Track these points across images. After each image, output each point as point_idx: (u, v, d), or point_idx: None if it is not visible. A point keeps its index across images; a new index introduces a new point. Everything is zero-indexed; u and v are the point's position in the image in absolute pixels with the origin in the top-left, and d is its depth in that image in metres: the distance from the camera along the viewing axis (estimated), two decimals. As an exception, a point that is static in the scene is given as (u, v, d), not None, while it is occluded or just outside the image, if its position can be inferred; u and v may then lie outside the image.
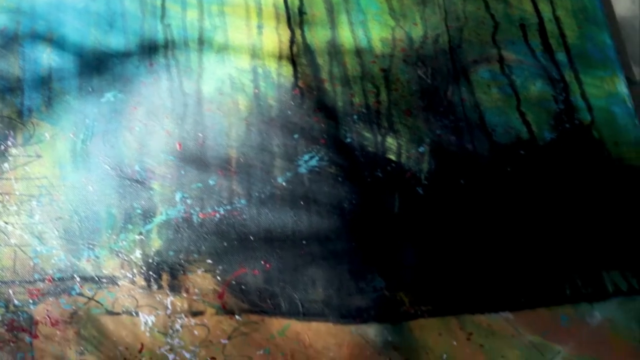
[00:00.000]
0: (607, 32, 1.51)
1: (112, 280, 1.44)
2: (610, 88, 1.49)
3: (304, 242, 1.44)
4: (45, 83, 1.51)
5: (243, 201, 1.44)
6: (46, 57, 1.51)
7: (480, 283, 1.41)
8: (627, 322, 1.40)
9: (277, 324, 1.42)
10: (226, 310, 1.42)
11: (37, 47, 1.51)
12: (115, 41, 1.47)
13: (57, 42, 1.50)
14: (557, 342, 1.38)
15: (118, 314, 1.42)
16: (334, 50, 1.45)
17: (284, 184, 1.44)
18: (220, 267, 1.43)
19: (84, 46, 1.49)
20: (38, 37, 1.52)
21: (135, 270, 1.44)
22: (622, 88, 1.48)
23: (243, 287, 1.43)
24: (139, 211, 1.45)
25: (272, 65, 1.45)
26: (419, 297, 1.42)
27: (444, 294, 1.41)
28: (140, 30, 1.47)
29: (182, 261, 1.43)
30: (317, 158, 1.46)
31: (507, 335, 1.39)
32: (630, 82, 1.51)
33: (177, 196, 1.45)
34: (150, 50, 1.46)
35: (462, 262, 1.42)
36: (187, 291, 1.43)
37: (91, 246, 1.45)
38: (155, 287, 1.43)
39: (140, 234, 1.45)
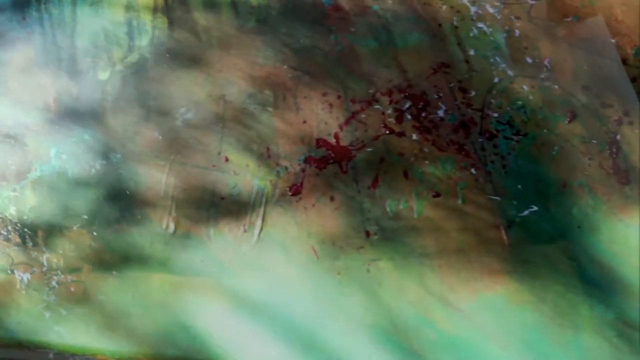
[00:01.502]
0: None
1: (1, 225, 1.43)
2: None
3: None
4: None
5: (119, 156, 1.42)
6: None
7: None
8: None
9: None
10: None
11: None
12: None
13: None
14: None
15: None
16: (210, 2, 1.42)
17: (160, 137, 1.41)
18: (97, 222, 1.41)
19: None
20: None
21: (10, 228, 1.43)
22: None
23: None
24: (12, 167, 1.44)
25: (147, 18, 1.42)
26: None
27: None
28: (6, -17, 1.45)
29: (58, 218, 1.41)
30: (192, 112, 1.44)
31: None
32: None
33: (52, 152, 1.43)
34: (23, 3, 1.44)
35: None
36: (62, 248, 1.41)
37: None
38: (30, 244, 1.41)
39: (15, 190, 1.44)
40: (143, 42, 1.44)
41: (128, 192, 1.42)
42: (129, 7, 1.45)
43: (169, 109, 1.39)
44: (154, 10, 1.46)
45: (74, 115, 1.45)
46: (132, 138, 1.42)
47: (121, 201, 1.41)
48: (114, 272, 1.42)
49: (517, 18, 1.31)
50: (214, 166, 1.36)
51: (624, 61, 1.29)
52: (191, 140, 1.37)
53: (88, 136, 1.44)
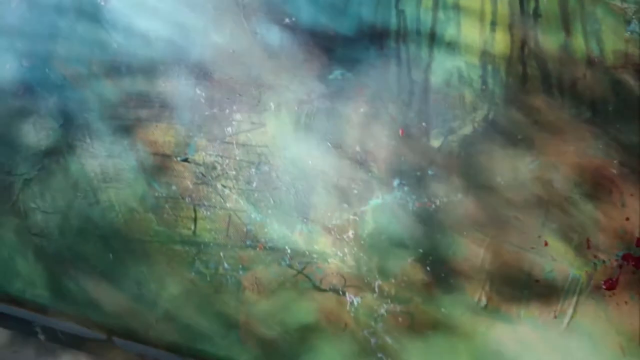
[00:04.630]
0: None
1: (323, 257, 1.44)
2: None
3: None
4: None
5: (460, 195, 1.44)
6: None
7: None
8: None
9: None
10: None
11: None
12: (348, 24, 1.48)
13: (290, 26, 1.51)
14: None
15: (325, 290, 1.42)
16: (565, 57, 1.44)
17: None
18: (431, 258, 1.43)
19: (315, 28, 1.50)
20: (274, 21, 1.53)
21: (346, 250, 1.45)
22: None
23: None
24: (355, 191, 1.45)
25: (501, 64, 1.44)
26: None
27: None
28: (373, 13, 1.48)
29: (393, 247, 1.43)
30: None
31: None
32: None
33: (395, 182, 1.45)
34: (382, 34, 1.46)
35: None
36: (395, 277, 1.43)
37: (305, 220, 1.45)
38: (364, 269, 1.43)
39: (355, 214, 1.45)
40: (496, 87, 1.46)
41: (445, 259, 1.42)
42: (484, 52, 1.47)
43: (492, 185, 1.41)
44: (509, 57, 1.48)
45: (420, 148, 1.48)
46: (452, 208, 1.43)
47: (437, 266, 1.42)
48: (442, 310, 1.44)
49: None
50: (532, 248, 1.38)
51: None
52: (513, 219, 1.39)
53: (431, 172, 1.46)
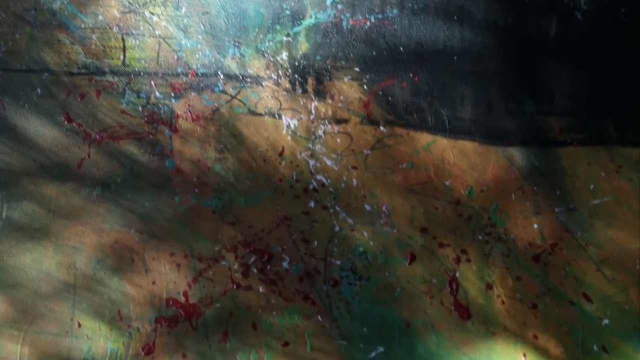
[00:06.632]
0: None
1: (257, 81, 1.40)
2: None
3: (455, 57, 1.44)
4: None
5: (395, 11, 1.39)
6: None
7: (636, 115, 1.36)
8: None
9: (422, 139, 1.40)
10: (371, 121, 1.41)
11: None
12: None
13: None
14: None
15: (260, 114, 1.39)
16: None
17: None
18: (368, 76, 1.39)
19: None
20: None
21: (280, 72, 1.40)
22: None
23: (389, 98, 1.42)
24: (287, 12, 1.40)
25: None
26: (570, 125, 1.37)
27: (596, 123, 1.36)
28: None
29: (329, 67, 1.39)
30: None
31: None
32: None
33: (328, 0, 1.40)
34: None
35: (617, 92, 1.36)
36: (332, 98, 1.39)
37: (237, 44, 1.41)
38: (299, 90, 1.39)
39: (288, 35, 1.41)
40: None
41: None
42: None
43: (20, 281, 1.40)
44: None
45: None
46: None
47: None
48: (381, 128, 1.41)
49: (354, 168, 1.35)
50: (67, 332, 1.39)
51: (458, 201, 1.35)
52: (44, 308, 1.40)
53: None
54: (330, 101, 1.38)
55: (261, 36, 1.39)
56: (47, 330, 1.39)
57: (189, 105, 1.39)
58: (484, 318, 1.33)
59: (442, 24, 1.39)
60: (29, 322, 1.39)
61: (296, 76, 1.38)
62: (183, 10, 1.41)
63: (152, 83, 1.40)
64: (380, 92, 1.39)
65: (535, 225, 1.33)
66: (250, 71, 1.39)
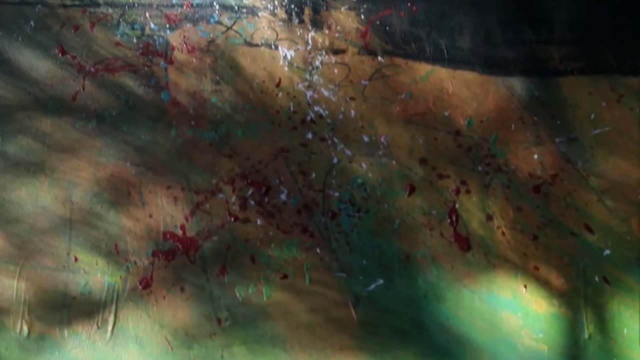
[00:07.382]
0: None
1: (252, 11, 1.39)
2: None
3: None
4: None
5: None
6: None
7: (637, 43, 1.34)
8: None
9: (420, 69, 1.40)
10: (368, 51, 1.40)
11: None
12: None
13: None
14: None
15: (257, 45, 1.38)
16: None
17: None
18: (365, 6, 1.39)
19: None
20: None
21: (276, 2, 1.38)
22: None
23: (387, 28, 1.41)
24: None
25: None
26: (570, 54, 1.35)
27: (598, 52, 1.34)
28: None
29: (325, -4, 1.37)
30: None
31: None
32: None
33: None
34: None
35: (617, 21, 1.34)
36: (329, 28, 1.37)
37: (231, -28, 1.39)
38: (296, 21, 1.38)
39: (283, -39, 1.39)
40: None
41: None
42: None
43: (15, 215, 1.38)
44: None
45: None
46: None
47: None
48: (379, 58, 1.40)
49: (352, 99, 1.34)
50: (64, 267, 1.37)
51: (457, 132, 1.33)
52: (40, 243, 1.37)
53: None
54: (327, 31, 1.36)
55: (255, -36, 1.37)
56: (44, 265, 1.36)
57: (184, 36, 1.37)
58: (484, 249, 1.31)
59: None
60: (26, 256, 1.37)
61: (292, 6, 1.36)
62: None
63: (147, 14, 1.39)
64: (378, 22, 1.38)
65: (536, 156, 1.32)
66: (245, 1, 1.37)
